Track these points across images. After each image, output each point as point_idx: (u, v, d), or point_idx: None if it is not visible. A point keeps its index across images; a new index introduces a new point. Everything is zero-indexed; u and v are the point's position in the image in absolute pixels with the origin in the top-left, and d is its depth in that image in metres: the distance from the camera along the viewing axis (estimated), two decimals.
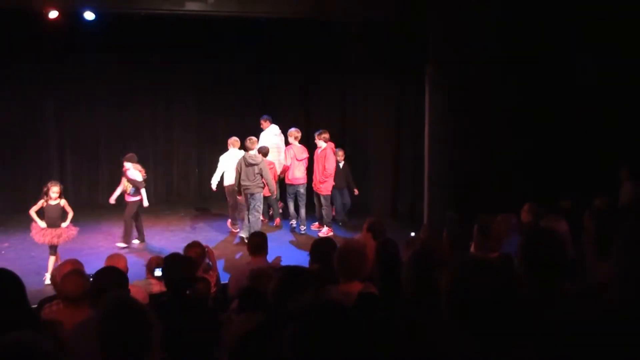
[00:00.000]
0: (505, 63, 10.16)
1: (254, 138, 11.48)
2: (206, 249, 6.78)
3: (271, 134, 12.73)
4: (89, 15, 10.39)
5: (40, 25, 10.59)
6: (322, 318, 2.26)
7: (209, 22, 12.30)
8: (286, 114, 13.94)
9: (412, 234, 8.80)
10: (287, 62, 14.12)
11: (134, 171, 10.91)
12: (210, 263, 6.91)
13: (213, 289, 6.53)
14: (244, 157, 11.06)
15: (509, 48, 10.08)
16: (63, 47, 12.66)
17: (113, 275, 4.37)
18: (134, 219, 11.05)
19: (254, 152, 11.14)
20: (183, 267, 4.93)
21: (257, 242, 6.43)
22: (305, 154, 12.01)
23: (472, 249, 6.02)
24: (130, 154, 11.14)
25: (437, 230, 7.98)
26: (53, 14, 10.09)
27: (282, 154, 12.47)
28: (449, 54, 10.45)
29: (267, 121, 12.86)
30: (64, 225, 9.45)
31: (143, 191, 10.99)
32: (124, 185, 10.98)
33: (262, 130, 12.72)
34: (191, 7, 10.41)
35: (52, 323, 4.08)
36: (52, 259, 9.34)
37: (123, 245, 10.79)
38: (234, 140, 12.13)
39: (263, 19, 11.68)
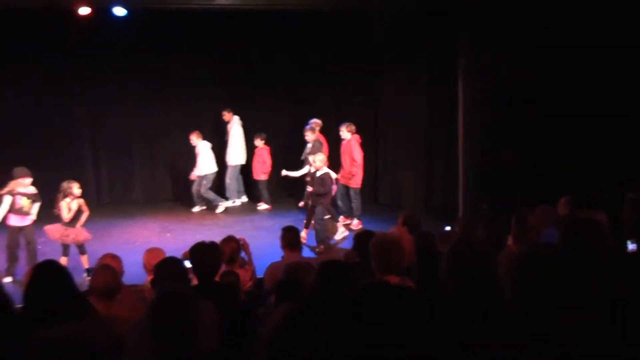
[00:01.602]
0: (541, 52, 10.03)
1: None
2: (241, 243, 6.80)
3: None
4: (120, 11, 10.48)
5: (72, 22, 10.73)
6: (378, 300, 2.26)
7: (239, 17, 12.30)
8: (317, 109, 13.88)
9: (447, 227, 8.77)
10: (318, 57, 14.08)
11: None
12: (246, 257, 6.92)
13: (249, 283, 6.55)
14: None
15: (544, 38, 9.94)
16: (94, 44, 12.74)
17: (171, 267, 4.40)
18: None
19: None
20: (209, 256, 4.91)
21: (292, 237, 6.44)
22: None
23: (509, 241, 5.96)
24: None
25: (472, 224, 7.96)
26: (84, 11, 10.20)
27: None
28: (481, 46, 10.36)
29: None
30: (77, 226, 9.41)
31: None
32: None
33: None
34: (221, 1, 10.45)
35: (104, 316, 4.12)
36: (84, 257, 9.41)
37: None
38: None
39: (293, 12, 11.68)
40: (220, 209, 13.25)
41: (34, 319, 3.27)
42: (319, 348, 2.44)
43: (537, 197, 7.41)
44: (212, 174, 13.32)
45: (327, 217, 10.95)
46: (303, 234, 10.73)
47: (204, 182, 13.14)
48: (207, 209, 13.44)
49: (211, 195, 13.30)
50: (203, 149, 13.20)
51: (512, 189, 9.96)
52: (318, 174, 10.76)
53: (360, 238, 5.95)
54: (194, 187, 13.39)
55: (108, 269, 4.80)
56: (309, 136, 12.20)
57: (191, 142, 13.21)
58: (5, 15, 10.90)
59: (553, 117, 10.27)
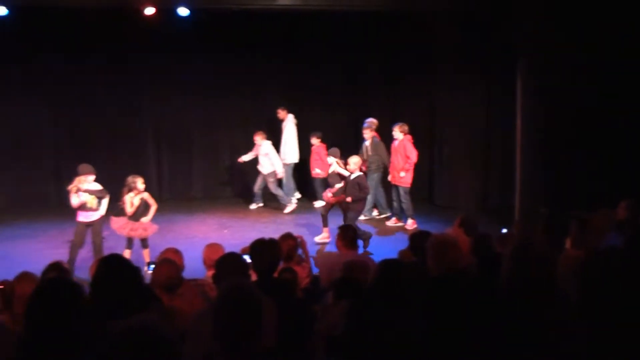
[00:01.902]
0: (600, 54, 9.87)
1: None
2: (299, 241, 6.88)
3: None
4: (183, 11, 10.69)
5: (137, 22, 11.00)
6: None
7: (297, 16, 12.41)
8: (373, 108, 13.88)
9: (504, 230, 8.70)
10: (374, 56, 14.10)
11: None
12: (303, 255, 7.00)
13: (306, 280, 6.63)
14: None
15: (603, 38, 9.78)
16: (158, 43, 13.02)
17: (233, 262, 4.49)
18: None
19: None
20: (269, 252, 4.98)
21: (352, 236, 6.49)
22: None
23: (567, 244, 5.91)
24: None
25: (530, 226, 7.88)
26: (149, 11, 10.45)
27: None
28: (540, 46, 10.23)
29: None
30: (145, 219, 9.54)
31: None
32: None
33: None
34: (282, 1, 10.57)
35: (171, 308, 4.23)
36: (145, 251, 9.58)
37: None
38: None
39: (352, 12, 11.74)
40: (288, 208, 13.21)
41: (101, 312, 3.38)
42: (386, 342, 2.48)
43: (594, 200, 7.28)
44: (279, 171, 13.33)
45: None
46: (325, 234, 10.79)
47: (271, 179, 13.17)
48: (264, 206, 13.56)
49: (280, 192, 13.33)
50: (268, 148, 13.20)
51: (569, 191, 9.82)
52: (352, 177, 10.45)
53: (415, 238, 5.97)
54: (257, 185, 13.48)
55: (170, 263, 4.92)
56: (367, 134, 12.23)
57: (255, 142, 13.28)
58: (73, 14, 11.24)
59: (613, 119, 10.10)
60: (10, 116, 13.37)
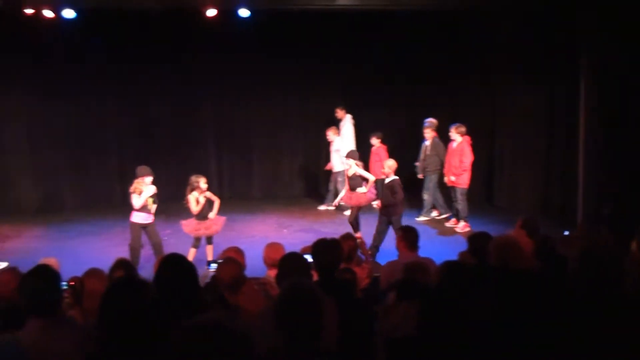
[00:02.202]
0: None
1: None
2: (359, 241, 6.89)
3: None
4: (244, 13, 10.81)
5: (199, 24, 11.17)
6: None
7: (355, 16, 12.42)
8: (432, 108, 13.78)
9: (566, 232, 8.54)
10: (434, 56, 14.01)
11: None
12: (363, 256, 7.01)
13: (365, 281, 6.63)
14: None
15: None
16: (219, 44, 13.23)
17: (295, 262, 4.54)
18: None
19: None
20: (331, 252, 5.00)
21: (413, 238, 6.46)
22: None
23: (632, 247, 5.78)
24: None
25: (594, 228, 7.73)
26: (211, 12, 10.61)
27: None
28: (604, 45, 10.01)
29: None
30: (211, 215, 9.65)
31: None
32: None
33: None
34: (342, 1, 10.60)
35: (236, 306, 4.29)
36: (209, 247, 9.72)
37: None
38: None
39: (411, 12, 11.68)
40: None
41: (166, 309, 3.46)
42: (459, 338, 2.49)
43: None
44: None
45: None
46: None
47: (340, 178, 13.14)
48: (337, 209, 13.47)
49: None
50: (340, 144, 13.16)
51: (633, 192, 9.59)
52: (387, 181, 10.17)
53: (474, 240, 5.92)
54: (332, 185, 13.49)
55: (234, 263, 4.99)
56: (428, 134, 12.16)
57: (328, 137, 13.30)
58: (137, 17, 11.49)
59: None
60: (76, 117, 13.77)
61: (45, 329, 3.51)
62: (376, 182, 12.93)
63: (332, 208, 13.30)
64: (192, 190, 9.53)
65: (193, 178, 9.59)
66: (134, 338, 2.69)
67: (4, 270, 5.79)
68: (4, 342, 3.48)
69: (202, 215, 9.59)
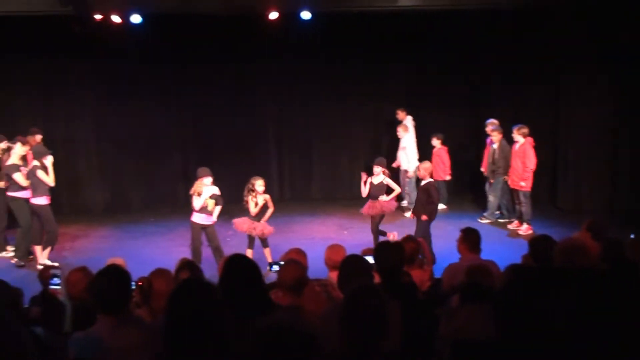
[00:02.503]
0: None
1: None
2: (420, 243, 6.86)
3: None
4: (306, 15, 10.89)
5: (261, 27, 11.30)
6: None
7: (416, 17, 12.34)
8: (494, 109, 13.60)
9: (632, 235, 8.33)
10: (496, 56, 13.84)
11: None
12: (425, 258, 6.97)
13: (427, 284, 6.60)
14: None
15: None
16: (280, 47, 13.33)
17: (357, 264, 4.56)
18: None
19: None
20: (394, 255, 4.99)
21: (475, 239, 6.39)
22: None
23: None
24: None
25: None
26: (273, 15, 10.72)
27: None
28: None
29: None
30: (262, 221, 9.79)
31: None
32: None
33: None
34: (403, 2, 10.58)
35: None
36: (267, 250, 9.84)
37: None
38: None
39: (473, 12, 11.57)
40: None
41: (232, 310, 3.50)
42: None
43: None
44: (410, 170, 13.12)
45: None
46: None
47: (407, 178, 13.08)
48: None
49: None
50: (407, 142, 13.09)
51: None
52: (422, 183, 10.06)
53: (536, 243, 5.83)
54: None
55: (296, 264, 5.01)
56: (496, 136, 11.98)
57: (398, 134, 13.22)
58: (202, 20, 11.67)
59: None
60: (141, 119, 14.07)
61: (115, 327, 3.62)
62: (437, 183, 12.90)
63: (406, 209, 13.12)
64: (250, 191, 9.65)
65: (252, 180, 9.75)
66: (201, 338, 2.74)
67: (75, 270, 5.96)
68: (86, 338, 3.61)
69: (258, 217, 9.74)
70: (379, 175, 10.49)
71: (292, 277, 4.75)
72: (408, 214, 12.73)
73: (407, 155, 13.02)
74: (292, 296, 4.64)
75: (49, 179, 10.25)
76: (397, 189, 10.67)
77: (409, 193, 13.12)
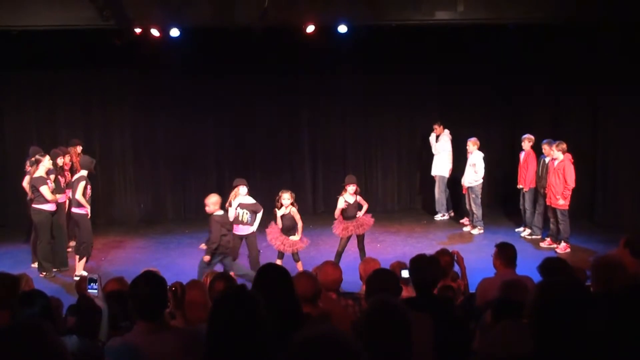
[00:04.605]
0: None
1: None
2: (455, 257, 6.82)
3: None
4: (343, 29, 10.96)
5: (299, 40, 11.39)
6: None
7: (454, 32, 12.32)
8: (532, 125, 13.48)
9: None
10: (535, 70, 13.75)
11: None
12: (460, 272, 6.93)
13: (460, 298, 6.55)
14: None
15: None
16: (316, 60, 13.44)
17: (382, 278, 4.56)
18: None
19: None
20: (430, 268, 4.97)
21: (511, 254, 6.33)
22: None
23: None
24: None
25: None
26: (310, 29, 10.81)
27: None
28: None
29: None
30: (295, 238, 9.83)
31: None
32: None
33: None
34: (441, 16, 10.58)
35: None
36: (299, 264, 9.84)
37: None
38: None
39: (511, 26, 11.52)
40: (475, 230, 12.69)
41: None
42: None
43: None
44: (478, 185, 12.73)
45: None
46: None
47: (473, 195, 12.69)
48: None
49: (478, 212, 12.72)
50: (477, 159, 12.60)
51: None
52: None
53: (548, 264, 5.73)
54: (467, 203, 13.03)
55: (308, 275, 4.94)
56: (550, 151, 11.50)
57: (467, 148, 12.79)
58: (239, 34, 11.78)
59: None
60: (178, 131, 14.26)
61: (151, 332, 3.67)
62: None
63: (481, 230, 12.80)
64: (277, 203, 9.76)
65: (280, 193, 9.86)
66: (244, 349, 2.77)
67: (111, 280, 6.06)
68: (122, 346, 3.66)
69: (286, 229, 9.80)
70: (347, 195, 10.33)
71: (307, 288, 4.73)
72: (475, 231, 12.65)
73: (477, 172, 12.57)
74: (310, 307, 4.64)
75: (50, 195, 10.21)
76: (366, 205, 10.55)
77: (478, 216, 12.76)
